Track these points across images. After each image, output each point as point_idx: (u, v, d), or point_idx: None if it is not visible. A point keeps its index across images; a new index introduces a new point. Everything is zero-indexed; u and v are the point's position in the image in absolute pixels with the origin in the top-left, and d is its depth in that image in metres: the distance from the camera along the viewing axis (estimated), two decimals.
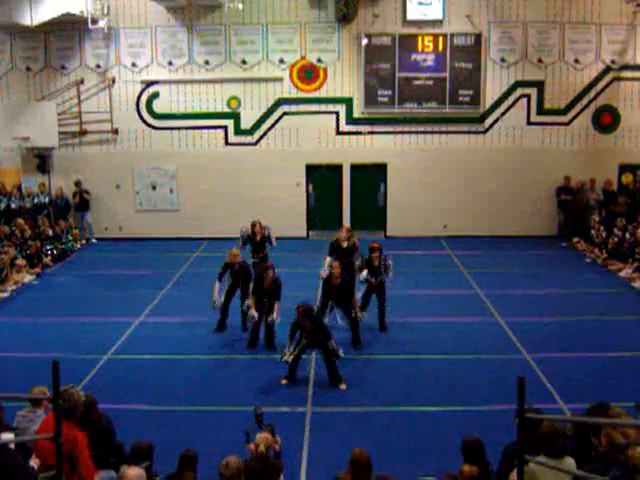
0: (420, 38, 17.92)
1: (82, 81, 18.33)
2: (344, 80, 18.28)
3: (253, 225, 13.10)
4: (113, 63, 18.37)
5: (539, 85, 18.26)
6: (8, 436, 5.67)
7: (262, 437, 6.08)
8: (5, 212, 17.39)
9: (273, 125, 18.52)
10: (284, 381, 9.52)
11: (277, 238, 18.10)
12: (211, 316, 11.75)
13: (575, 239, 17.64)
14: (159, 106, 18.48)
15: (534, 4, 17.89)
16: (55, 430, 4.79)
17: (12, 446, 5.41)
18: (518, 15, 17.97)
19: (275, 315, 10.46)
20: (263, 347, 10.77)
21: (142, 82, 18.40)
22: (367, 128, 18.44)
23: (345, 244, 12.44)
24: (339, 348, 9.53)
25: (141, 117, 18.56)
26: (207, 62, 18.33)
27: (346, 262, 11.76)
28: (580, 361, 10.16)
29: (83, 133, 18.51)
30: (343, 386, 9.41)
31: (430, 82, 18.10)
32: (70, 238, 17.74)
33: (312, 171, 18.79)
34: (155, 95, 18.47)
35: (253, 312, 10.49)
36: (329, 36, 18.17)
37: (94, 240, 18.67)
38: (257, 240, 13.02)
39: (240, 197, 18.66)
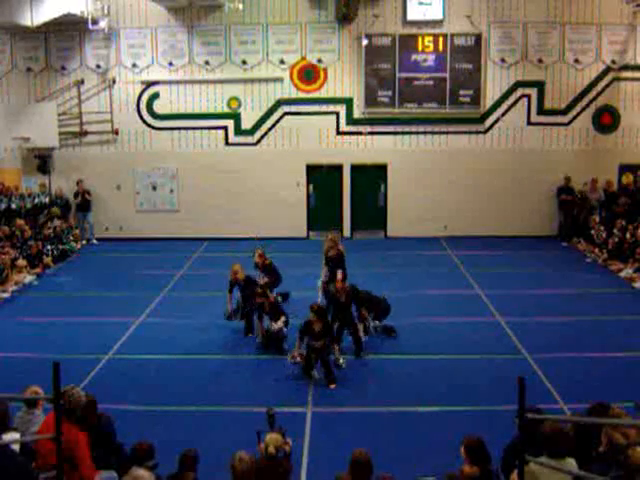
0: (420, 38, 17.93)
1: (82, 81, 18.34)
2: (344, 80, 18.29)
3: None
4: (113, 63, 18.39)
5: (539, 85, 18.27)
6: (11, 436, 5.67)
7: (272, 438, 6.05)
8: (5, 212, 17.39)
9: (273, 125, 18.53)
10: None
11: (277, 238, 18.30)
12: (211, 317, 11.75)
13: (575, 239, 17.65)
14: (159, 106, 18.49)
15: (534, 4, 17.89)
16: (56, 430, 4.80)
17: (17, 446, 5.42)
18: (518, 15, 17.97)
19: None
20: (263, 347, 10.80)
21: (142, 82, 18.42)
22: (367, 128, 18.45)
23: (330, 253, 12.35)
24: (343, 358, 9.79)
25: (141, 117, 18.58)
26: (207, 62, 18.34)
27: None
28: (580, 361, 10.15)
29: (83, 134, 18.52)
30: (332, 385, 9.40)
31: (430, 82, 18.11)
32: (71, 238, 17.76)
33: (312, 171, 18.80)
34: (155, 95, 18.48)
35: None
36: (329, 36, 18.17)
37: (94, 240, 18.67)
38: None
39: (240, 197, 18.68)
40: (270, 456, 5.89)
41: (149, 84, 18.44)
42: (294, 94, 18.37)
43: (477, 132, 18.47)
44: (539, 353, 10.34)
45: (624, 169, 18.63)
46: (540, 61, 18.18)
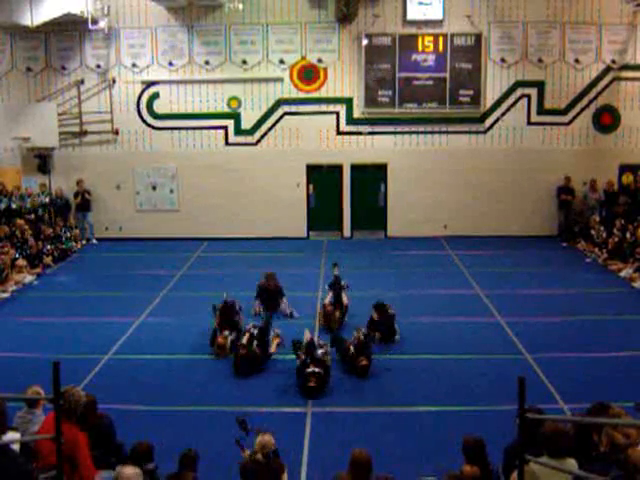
0: (420, 38, 17.92)
1: (82, 81, 18.34)
2: (344, 80, 18.28)
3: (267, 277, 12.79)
4: (113, 63, 18.38)
5: (539, 85, 18.26)
6: (11, 436, 5.66)
7: (259, 444, 6.04)
8: (5, 212, 17.39)
9: (273, 125, 18.52)
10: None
11: (277, 238, 18.30)
12: (211, 317, 11.73)
13: (575, 239, 17.66)
14: (159, 106, 18.48)
15: (534, 4, 17.88)
16: (55, 430, 4.80)
17: (17, 446, 5.41)
18: (518, 15, 17.96)
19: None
20: None
21: (142, 82, 18.40)
22: (367, 128, 18.44)
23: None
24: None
25: (141, 117, 18.57)
26: (207, 62, 18.33)
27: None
28: (580, 361, 10.16)
29: (83, 133, 18.51)
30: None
31: (430, 82, 18.10)
32: (69, 235, 17.76)
33: (312, 171, 18.79)
34: (155, 95, 18.47)
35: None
36: (329, 36, 18.17)
37: (94, 240, 18.67)
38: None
39: (240, 197, 18.68)
40: (258, 463, 5.90)
41: (149, 84, 18.43)
42: (294, 94, 18.36)
43: (477, 132, 18.46)
44: (539, 353, 10.34)
45: (624, 169, 18.62)
46: (540, 61, 18.18)
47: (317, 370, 9.03)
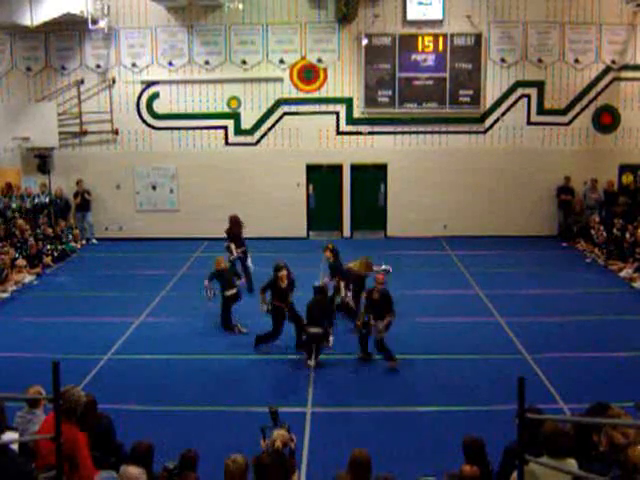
0: (420, 38, 17.93)
1: (82, 81, 18.34)
2: (344, 80, 18.29)
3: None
4: (113, 63, 18.38)
5: (539, 85, 18.27)
6: (11, 436, 5.66)
7: (279, 434, 6.09)
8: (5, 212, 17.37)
9: (273, 125, 18.52)
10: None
11: (277, 238, 18.29)
12: (211, 316, 11.74)
13: (576, 239, 17.67)
14: (159, 106, 18.49)
15: (534, 4, 17.89)
16: (55, 430, 4.80)
17: (16, 446, 5.41)
18: (518, 15, 17.97)
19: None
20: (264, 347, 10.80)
21: (142, 82, 18.41)
22: (367, 128, 18.44)
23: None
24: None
25: (141, 117, 18.57)
26: (207, 62, 18.33)
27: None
28: (580, 361, 10.16)
29: (83, 133, 18.52)
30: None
31: (430, 82, 18.10)
32: (71, 238, 17.76)
33: (312, 171, 18.79)
34: (155, 95, 18.48)
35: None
36: (329, 36, 18.17)
37: (94, 240, 18.67)
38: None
39: (240, 197, 18.66)
40: (276, 450, 5.89)
41: (149, 84, 18.43)
42: (294, 94, 18.37)
43: (477, 132, 18.46)
44: (539, 353, 10.35)
45: (624, 169, 18.63)
46: (540, 61, 18.18)
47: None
